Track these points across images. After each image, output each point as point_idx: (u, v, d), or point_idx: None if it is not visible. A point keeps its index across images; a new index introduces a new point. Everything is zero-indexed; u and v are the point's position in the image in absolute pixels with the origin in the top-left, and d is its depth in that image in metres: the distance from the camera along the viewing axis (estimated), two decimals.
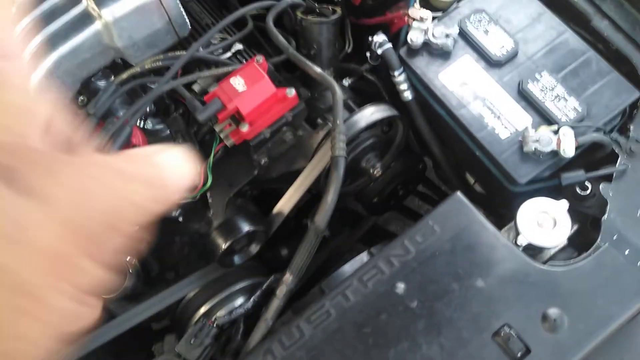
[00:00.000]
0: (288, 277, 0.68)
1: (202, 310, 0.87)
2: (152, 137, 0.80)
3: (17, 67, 0.26)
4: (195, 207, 0.93)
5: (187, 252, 0.94)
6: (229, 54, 0.84)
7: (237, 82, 0.71)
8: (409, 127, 0.86)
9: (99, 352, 0.81)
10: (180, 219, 0.89)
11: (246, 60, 0.84)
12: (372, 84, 0.89)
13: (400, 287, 0.68)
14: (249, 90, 0.71)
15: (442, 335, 0.65)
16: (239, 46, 0.86)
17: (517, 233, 0.70)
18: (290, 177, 0.82)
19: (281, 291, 0.68)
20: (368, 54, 0.85)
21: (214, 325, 0.67)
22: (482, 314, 0.65)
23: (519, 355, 0.63)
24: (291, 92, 0.73)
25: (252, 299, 0.72)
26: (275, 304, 0.69)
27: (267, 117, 0.73)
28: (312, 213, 0.69)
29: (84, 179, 0.23)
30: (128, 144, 0.73)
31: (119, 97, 0.74)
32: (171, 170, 0.27)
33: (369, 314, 0.67)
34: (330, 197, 0.67)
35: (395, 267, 0.70)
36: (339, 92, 0.70)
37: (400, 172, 0.91)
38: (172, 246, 0.95)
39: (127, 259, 0.82)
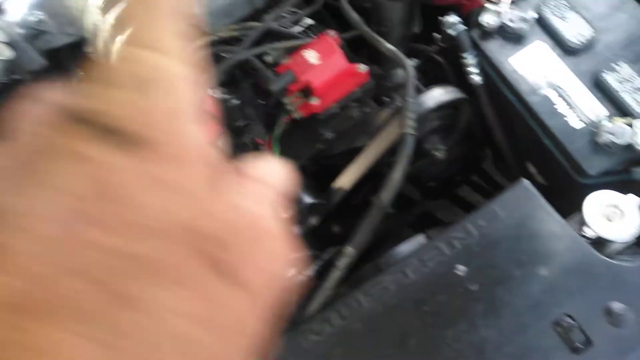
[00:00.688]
0: (350, 250, 0.69)
1: None
2: (220, 107, 0.82)
3: (180, 66, 0.22)
4: None
5: None
6: (299, 28, 0.85)
7: (311, 55, 0.72)
8: (475, 111, 0.85)
9: None
10: None
11: (315, 35, 0.85)
12: (439, 66, 0.89)
13: (461, 269, 0.69)
14: (321, 64, 0.72)
15: (501, 319, 0.65)
16: (309, 21, 0.86)
17: (582, 224, 0.69)
18: (351, 154, 0.83)
19: (342, 263, 0.69)
20: (437, 35, 0.85)
21: None
22: (543, 302, 0.65)
23: (579, 346, 0.62)
24: (363, 67, 0.73)
25: (313, 268, 0.74)
26: (336, 274, 0.70)
27: (337, 91, 0.74)
28: (377, 190, 0.70)
29: (271, 259, 0.23)
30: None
31: None
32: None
33: (428, 293, 0.68)
34: (397, 174, 0.68)
35: (457, 249, 0.70)
36: (411, 70, 0.70)
37: (461, 156, 0.90)
38: None
39: None
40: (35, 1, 0.78)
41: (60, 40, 0.82)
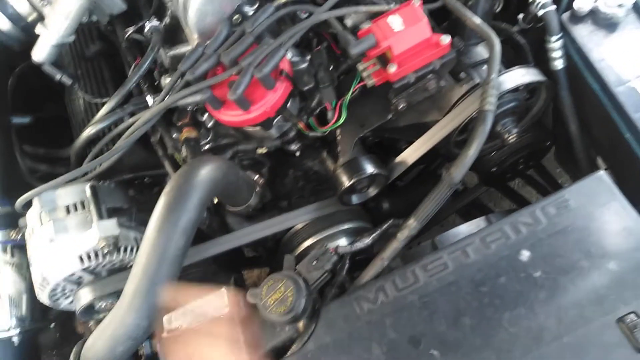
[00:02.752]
0: (412, 223, 0.68)
1: (308, 242, 0.89)
2: (292, 68, 0.81)
3: None
4: (313, 144, 0.95)
5: (301, 185, 0.97)
6: None
7: (395, 21, 0.70)
8: (552, 97, 0.82)
9: (204, 263, 0.86)
10: (298, 153, 0.91)
11: (394, 3, 0.83)
12: (518, 47, 0.86)
13: (525, 254, 0.67)
14: (405, 31, 0.70)
15: (562, 310, 0.63)
16: None
17: None
18: (418, 128, 0.81)
19: (403, 234, 0.69)
20: (522, 15, 0.82)
21: (336, 252, 0.68)
22: (610, 297, 0.63)
23: None
24: (446, 39, 0.71)
25: (371, 237, 0.73)
26: (394, 245, 0.69)
27: (416, 61, 0.73)
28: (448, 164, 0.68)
29: None
30: (277, 68, 0.75)
31: (275, 19, 0.75)
32: None
33: (488, 274, 0.67)
34: (472, 151, 0.66)
35: (522, 234, 0.68)
36: (497, 46, 0.68)
37: (529, 143, 0.88)
38: (286, 178, 0.97)
39: (256, 178, 0.85)
40: None
41: None
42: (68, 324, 0.98)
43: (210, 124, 0.84)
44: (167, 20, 0.86)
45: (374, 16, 0.75)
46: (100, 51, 0.98)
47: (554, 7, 0.76)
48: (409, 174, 1.11)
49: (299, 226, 0.89)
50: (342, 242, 0.88)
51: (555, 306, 0.64)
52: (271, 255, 1.02)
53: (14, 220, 0.83)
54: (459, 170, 0.67)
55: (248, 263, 1.21)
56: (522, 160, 0.96)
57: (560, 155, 1.04)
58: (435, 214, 0.70)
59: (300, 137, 0.89)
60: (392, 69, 0.72)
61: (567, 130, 0.85)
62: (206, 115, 0.84)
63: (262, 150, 0.85)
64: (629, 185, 0.82)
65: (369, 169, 0.79)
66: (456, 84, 0.78)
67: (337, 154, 0.85)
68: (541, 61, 0.81)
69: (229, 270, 1.05)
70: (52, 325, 0.93)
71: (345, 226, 0.89)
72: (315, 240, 0.88)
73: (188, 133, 0.81)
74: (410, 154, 0.81)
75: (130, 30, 0.87)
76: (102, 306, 0.75)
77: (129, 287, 0.62)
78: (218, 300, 0.73)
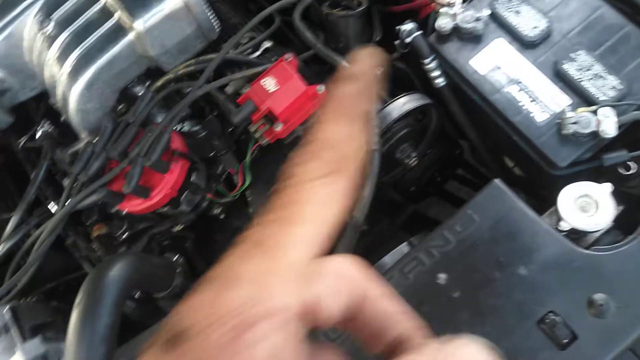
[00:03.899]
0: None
1: None
2: (189, 139, 0.82)
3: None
4: (235, 205, 0.95)
5: (229, 249, 0.97)
6: (258, 52, 0.85)
7: (268, 83, 0.72)
8: (444, 114, 0.85)
9: None
10: (222, 216, 0.92)
11: (276, 57, 0.85)
12: (403, 72, 0.89)
13: (442, 277, 0.68)
14: (280, 90, 0.72)
15: (486, 324, 0.65)
16: (267, 43, 0.86)
17: (559, 218, 0.69)
18: None
19: None
20: (397, 43, 0.85)
21: None
22: (526, 302, 0.65)
23: (565, 341, 0.62)
24: (321, 88, 0.73)
25: None
26: None
27: (300, 114, 0.74)
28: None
29: None
30: (168, 149, 0.75)
31: (156, 104, 0.76)
32: None
33: (412, 305, 0.66)
34: (367, 191, 0.68)
35: (436, 258, 0.70)
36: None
37: (436, 159, 0.90)
38: (215, 244, 0.98)
39: (175, 258, 0.85)
40: None
41: (24, 95, 0.83)
42: None
43: (123, 213, 0.84)
44: (63, 118, 0.86)
45: (251, 79, 0.77)
46: (2, 164, 0.97)
47: (419, 32, 0.79)
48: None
49: None
50: None
51: (479, 322, 0.65)
52: None
53: None
54: (360, 211, 0.68)
55: None
56: (437, 173, 0.98)
57: (475, 156, 1.07)
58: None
59: (218, 203, 0.89)
60: (278, 127, 0.73)
61: (469, 140, 0.88)
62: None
63: (178, 228, 0.86)
64: (533, 180, 0.86)
65: None
66: None
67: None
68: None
69: None
70: None
71: None
72: None
73: (99, 230, 0.81)
74: None
75: (23, 140, 0.87)
76: None
77: None
78: None
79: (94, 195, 0.73)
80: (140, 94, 0.77)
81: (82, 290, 0.66)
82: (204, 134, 0.83)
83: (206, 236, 0.96)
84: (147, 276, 0.75)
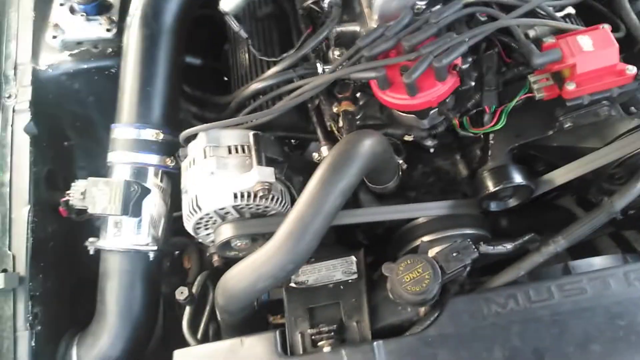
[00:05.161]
0: (560, 240, 0.68)
1: (427, 238, 0.90)
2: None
3: None
4: (449, 144, 0.96)
5: (431, 182, 0.98)
6: (561, 14, 0.83)
7: (584, 42, 0.71)
8: None
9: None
10: (432, 150, 0.93)
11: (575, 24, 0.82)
12: None
13: None
14: (594, 52, 0.70)
15: None
16: (570, 10, 0.84)
17: None
18: (571, 152, 0.81)
19: (547, 249, 0.69)
20: None
21: (478, 249, 0.70)
22: None
23: None
24: (632, 69, 0.71)
25: (513, 245, 0.74)
26: (535, 258, 0.70)
27: (596, 84, 0.72)
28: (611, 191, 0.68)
29: None
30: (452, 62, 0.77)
31: (460, 17, 0.77)
32: None
33: (628, 309, 0.66)
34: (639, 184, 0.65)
35: None
36: None
37: None
38: (414, 171, 0.99)
39: (400, 162, 0.87)
40: None
41: None
42: (177, 259, 1.05)
43: (361, 102, 0.88)
44: None
45: (557, 33, 0.75)
46: (271, 14, 1.04)
47: None
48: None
49: (421, 220, 0.91)
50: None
51: None
52: (377, 244, 1.04)
53: (170, 149, 0.89)
54: (623, 200, 0.66)
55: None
56: None
57: None
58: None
59: (441, 135, 0.90)
60: (570, 86, 0.72)
61: None
62: (359, 94, 0.88)
63: (409, 138, 0.88)
64: None
65: (518, 178, 0.80)
66: (626, 117, 0.77)
67: (480, 158, 0.86)
68: None
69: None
70: (177, 253, 1.00)
71: (468, 231, 0.89)
72: (434, 237, 0.89)
73: (347, 106, 0.85)
74: (561, 175, 0.80)
75: (310, 0, 0.92)
76: (237, 245, 0.80)
77: (283, 230, 0.67)
78: (348, 266, 0.76)
79: (372, 71, 0.76)
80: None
81: (340, 145, 0.71)
82: (473, 65, 0.83)
83: (412, 161, 0.97)
84: (386, 162, 0.78)
